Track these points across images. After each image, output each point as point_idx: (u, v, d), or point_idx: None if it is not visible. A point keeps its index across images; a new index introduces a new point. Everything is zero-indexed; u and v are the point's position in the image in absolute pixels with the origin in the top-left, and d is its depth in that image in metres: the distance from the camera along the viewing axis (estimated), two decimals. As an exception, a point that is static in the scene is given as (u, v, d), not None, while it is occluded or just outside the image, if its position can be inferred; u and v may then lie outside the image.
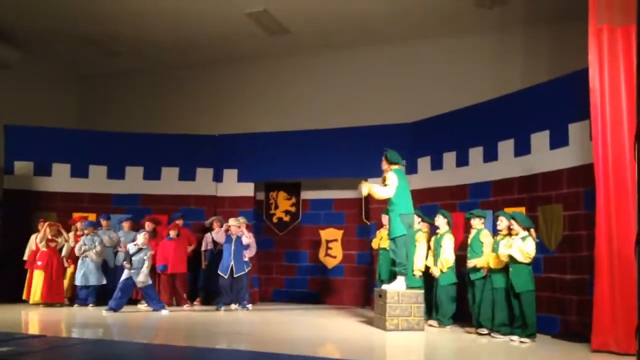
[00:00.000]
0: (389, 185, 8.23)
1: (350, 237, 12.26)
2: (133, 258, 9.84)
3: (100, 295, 10.74)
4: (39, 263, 10.61)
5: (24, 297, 10.73)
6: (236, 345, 7.02)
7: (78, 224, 11.22)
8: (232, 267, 10.39)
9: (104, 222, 11.31)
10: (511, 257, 7.38)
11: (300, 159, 11.81)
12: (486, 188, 9.39)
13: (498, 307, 7.64)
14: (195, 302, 11.11)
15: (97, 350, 5.99)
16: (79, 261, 10.73)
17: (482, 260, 8.00)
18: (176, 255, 10.71)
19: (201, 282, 11.17)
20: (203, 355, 5.93)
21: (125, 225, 11.24)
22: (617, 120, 6.64)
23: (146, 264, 9.86)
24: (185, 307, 10.65)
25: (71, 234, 11.12)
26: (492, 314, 7.77)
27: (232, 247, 10.47)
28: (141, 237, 9.98)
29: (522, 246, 7.30)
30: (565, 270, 7.81)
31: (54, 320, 9.10)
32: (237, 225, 10.56)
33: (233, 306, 10.62)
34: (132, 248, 9.94)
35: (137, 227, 11.08)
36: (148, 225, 10.95)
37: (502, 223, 7.89)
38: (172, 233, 10.80)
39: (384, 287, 8.32)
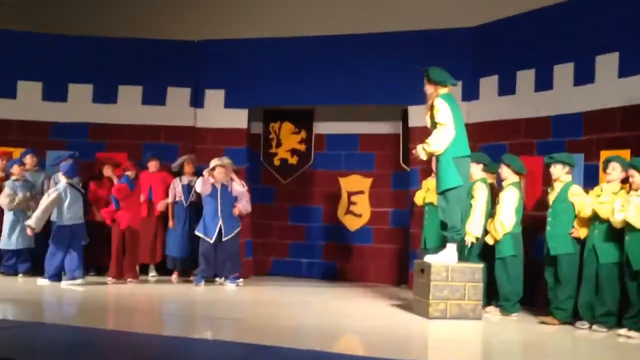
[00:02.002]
0: (441, 123, 8.02)
1: (383, 188, 12.24)
2: None
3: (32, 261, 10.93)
4: None
5: None
6: (220, 334, 7.10)
7: (-1, 163, 11.19)
8: (220, 227, 10.47)
9: (28, 160, 11.15)
10: (627, 223, 7.25)
11: (314, 77, 11.71)
12: (577, 122, 9.26)
13: (605, 290, 7.56)
14: (172, 277, 11.09)
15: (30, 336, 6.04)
16: (9, 216, 10.71)
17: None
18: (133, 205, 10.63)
19: (171, 248, 11.14)
20: (172, 345, 5.97)
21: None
22: None
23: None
24: (129, 280, 10.56)
25: None
26: (590, 299, 7.74)
27: (219, 200, 10.52)
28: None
29: (640, 206, 7.20)
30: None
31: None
32: (222, 165, 10.47)
33: (217, 280, 10.76)
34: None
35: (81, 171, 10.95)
36: (106, 170, 10.91)
37: (615, 172, 7.72)
38: (131, 174, 10.61)
39: (428, 258, 8.30)
